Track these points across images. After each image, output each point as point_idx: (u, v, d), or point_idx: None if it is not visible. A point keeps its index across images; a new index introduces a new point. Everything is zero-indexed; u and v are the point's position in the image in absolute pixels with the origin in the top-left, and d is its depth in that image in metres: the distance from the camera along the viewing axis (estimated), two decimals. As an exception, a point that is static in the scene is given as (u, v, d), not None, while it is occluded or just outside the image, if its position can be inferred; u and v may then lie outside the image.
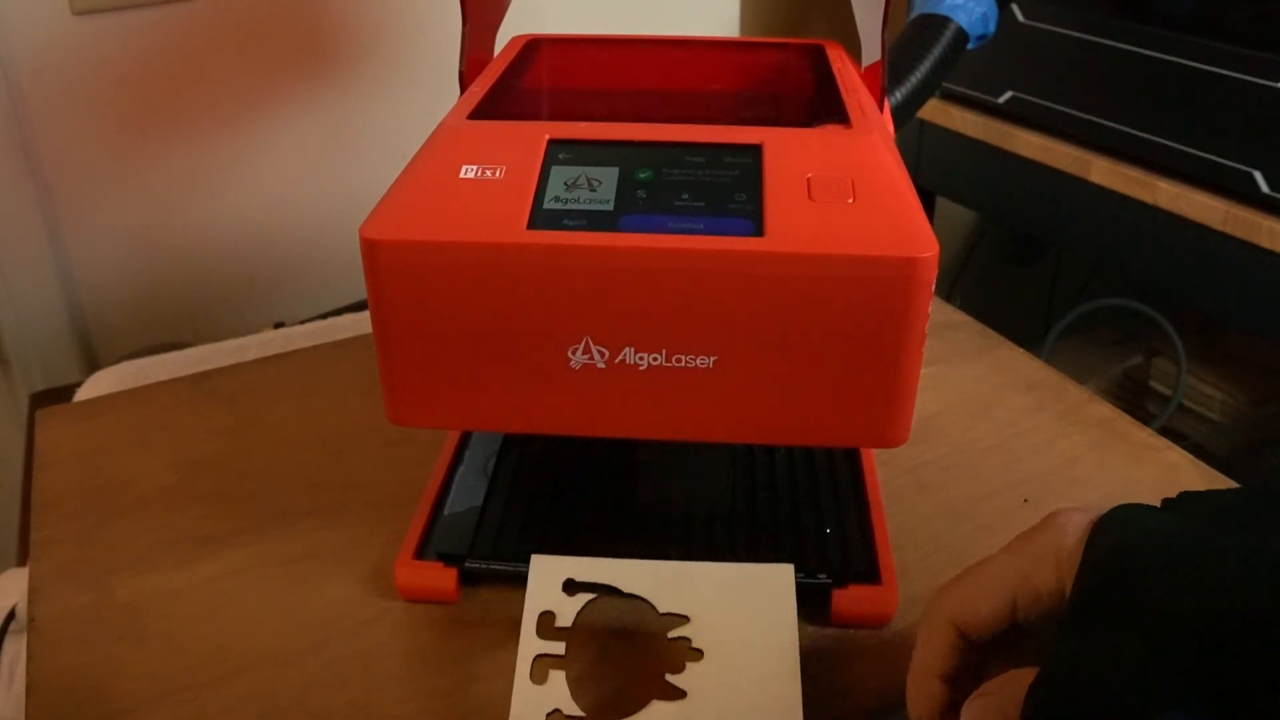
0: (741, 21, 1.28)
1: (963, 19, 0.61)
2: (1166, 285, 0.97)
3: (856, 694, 0.43)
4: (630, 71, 0.55)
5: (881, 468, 0.55)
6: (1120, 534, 0.32)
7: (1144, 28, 0.93)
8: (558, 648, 0.40)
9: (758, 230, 0.37)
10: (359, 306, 1.02)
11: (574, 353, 0.39)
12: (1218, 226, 0.89)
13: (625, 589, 0.42)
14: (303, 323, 0.97)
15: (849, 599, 0.45)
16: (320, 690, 0.43)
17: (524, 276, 0.37)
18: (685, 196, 0.39)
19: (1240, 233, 0.87)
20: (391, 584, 0.48)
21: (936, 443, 0.58)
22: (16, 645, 0.59)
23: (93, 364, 1.02)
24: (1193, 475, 0.55)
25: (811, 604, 0.46)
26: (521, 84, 0.51)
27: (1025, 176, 1.07)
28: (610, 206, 0.39)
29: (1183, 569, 0.29)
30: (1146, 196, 0.94)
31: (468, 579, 0.48)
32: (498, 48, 0.55)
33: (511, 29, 0.58)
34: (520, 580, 0.46)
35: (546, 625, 0.41)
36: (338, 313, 1.01)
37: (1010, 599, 0.35)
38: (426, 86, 1.06)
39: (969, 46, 0.63)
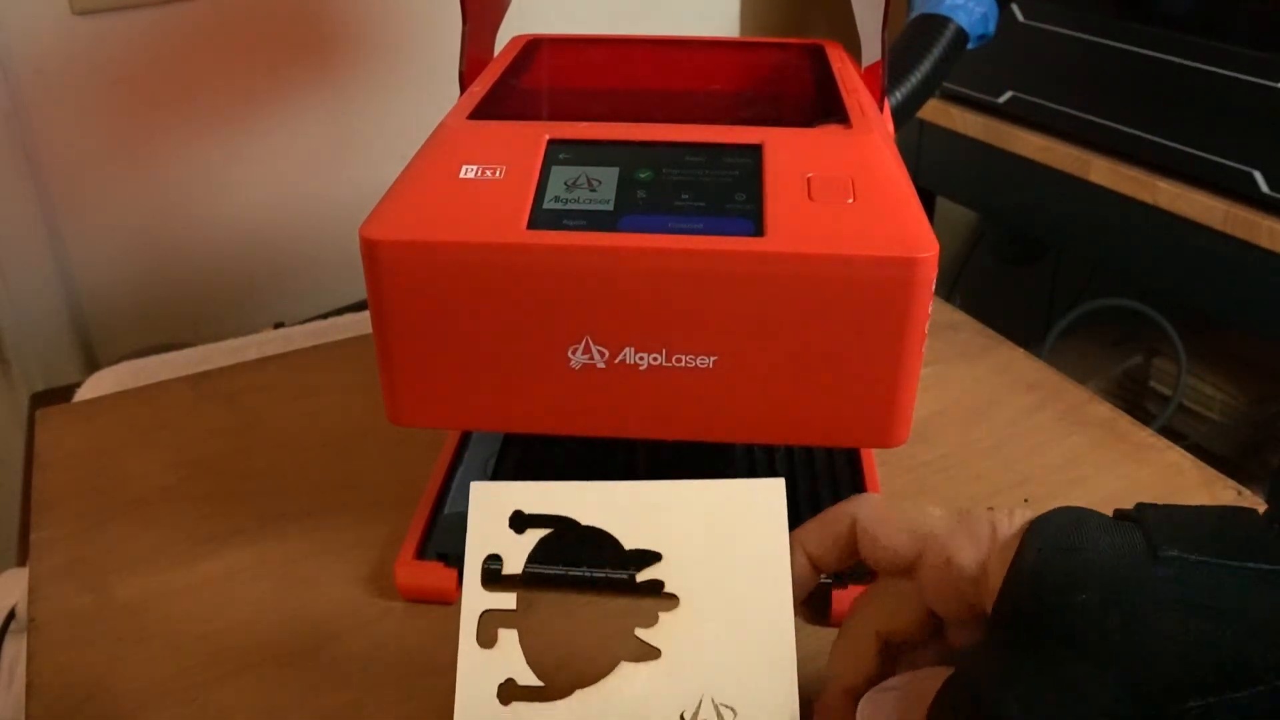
0: (741, 21, 1.28)
1: (963, 19, 0.61)
2: (1166, 285, 0.97)
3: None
4: (630, 71, 0.55)
5: (881, 468, 0.55)
6: (1059, 540, 0.30)
7: (1144, 28, 0.93)
8: (507, 601, 0.34)
9: (758, 230, 0.37)
10: (359, 306, 1.02)
11: (574, 353, 0.39)
12: (1218, 226, 0.89)
13: (584, 520, 0.35)
14: (303, 323, 0.97)
15: (849, 599, 0.45)
16: (320, 690, 0.43)
17: (524, 276, 0.37)
18: (685, 196, 0.39)
19: (1240, 233, 0.87)
20: (391, 584, 0.48)
21: (936, 443, 0.58)
22: (16, 645, 0.59)
23: (93, 364, 1.02)
24: (1193, 475, 0.55)
25: (811, 604, 0.46)
26: (521, 84, 0.51)
27: (1025, 176, 1.07)
28: (610, 206, 0.39)
29: (1116, 588, 0.28)
30: (1146, 196, 0.94)
31: (468, 579, 0.48)
32: (498, 48, 0.55)
33: (511, 29, 0.58)
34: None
35: (494, 574, 0.35)
36: (338, 313, 1.01)
37: (917, 550, 0.33)
38: (426, 86, 1.06)
39: (969, 46, 0.63)
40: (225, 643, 0.45)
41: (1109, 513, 0.32)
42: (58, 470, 0.58)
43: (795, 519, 0.50)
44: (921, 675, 0.31)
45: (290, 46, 1.01)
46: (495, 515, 0.35)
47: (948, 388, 0.63)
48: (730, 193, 0.39)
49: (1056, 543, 0.30)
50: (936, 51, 0.60)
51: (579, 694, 0.33)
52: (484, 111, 0.45)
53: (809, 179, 0.39)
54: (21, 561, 0.59)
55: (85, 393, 0.70)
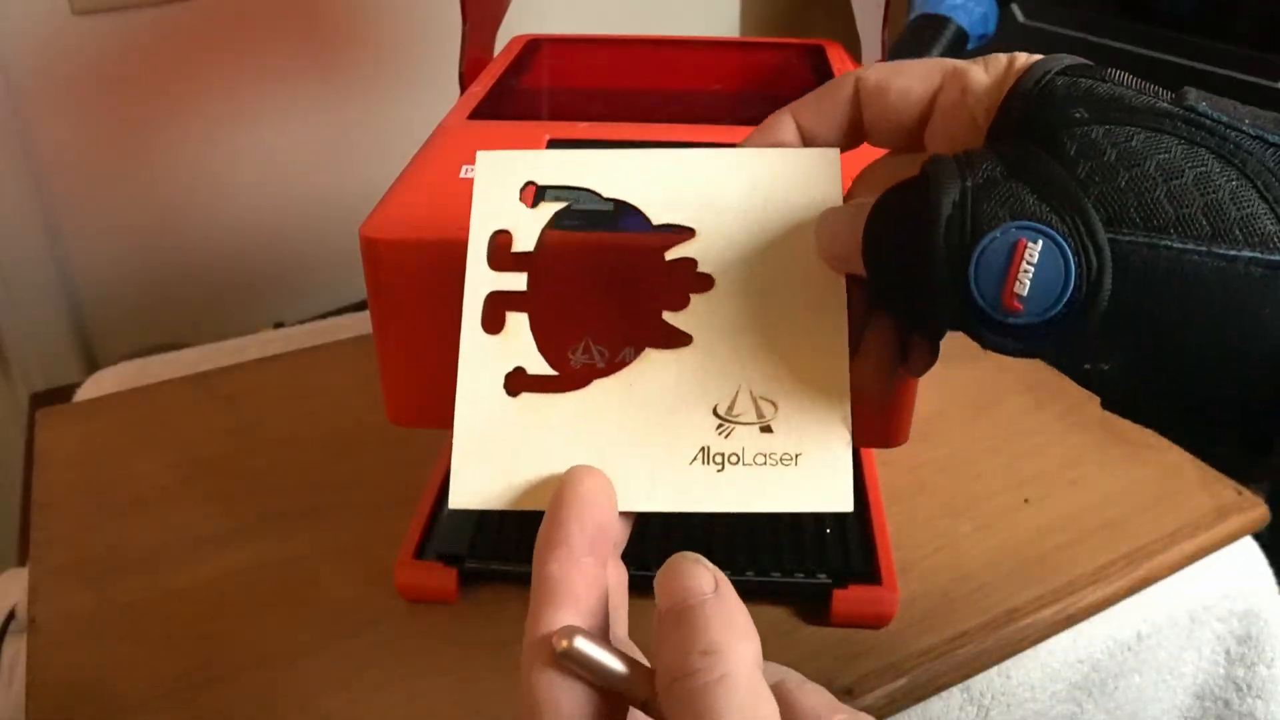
0: (741, 21, 1.28)
1: (963, 19, 0.61)
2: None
3: (857, 694, 0.43)
4: (630, 71, 0.55)
5: (881, 468, 0.55)
6: (1074, 70, 0.27)
7: (1144, 28, 0.93)
8: (518, 282, 0.30)
9: (758, 230, 0.37)
10: (359, 306, 1.02)
11: (574, 353, 0.38)
12: (1218, 226, 0.89)
13: (606, 193, 0.31)
14: (303, 323, 0.96)
15: (849, 599, 0.45)
16: (320, 690, 0.43)
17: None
18: (685, 196, 0.39)
19: (1240, 233, 0.87)
20: (391, 584, 0.48)
21: (936, 443, 0.58)
22: (16, 645, 0.59)
23: (93, 364, 1.02)
24: (1192, 475, 0.55)
25: (811, 604, 0.46)
26: (521, 84, 0.50)
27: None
28: (610, 206, 0.39)
29: (1122, 114, 0.25)
30: (1146, 196, 0.94)
31: (468, 579, 0.48)
32: (498, 48, 0.55)
33: (511, 29, 0.58)
34: (523, 581, 0.45)
35: (502, 251, 0.31)
36: (338, 313, 1.01)
37: (932, 89, 0.30)
38: (426, 86, 1.06)
39: (969, 46, 0.63)
40: (225, 643, 0.45)
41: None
42: (58, 470, 0.58)
43: (796, 520, 0.50)
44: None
45: (290, 46, 1.01)
46: (505, 186, 0.31)
47: (948, 388, 0.63)
48: (730, 193, 0.39)
49: (1070, 69, 0.27)
50: (936, 52, 0.61)
51: (597, 384, 0.29)
52: (484, 111, 0.45)
53: (809, 179, 0.39)
54: (21, 561, 0.59)
55: (85, 393, 0.70)
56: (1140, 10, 0.95)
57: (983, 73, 0.29)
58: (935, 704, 0.45)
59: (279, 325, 0.98)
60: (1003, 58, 0.29)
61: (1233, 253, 0.23)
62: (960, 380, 0.64)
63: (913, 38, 0.61)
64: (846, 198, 0.31)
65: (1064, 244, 0.23)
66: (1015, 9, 1.03)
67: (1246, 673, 0.52)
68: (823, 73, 0.50)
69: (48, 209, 0.96)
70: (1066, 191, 0.24)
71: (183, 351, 0.80)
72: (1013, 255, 0.23)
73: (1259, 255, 0.23)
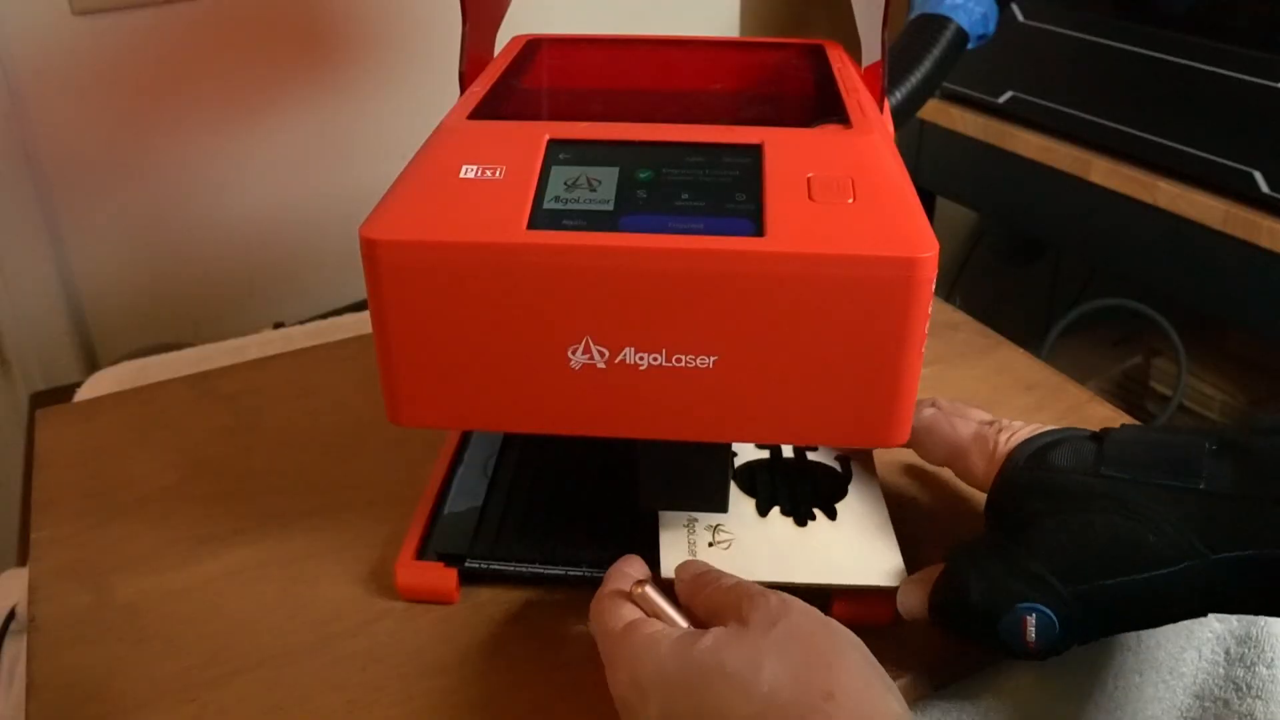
0: (741, 21, 1.28)
1: (963, 19, 0.61)
2: (1166, 285, 0.97)
3: (856, 694, 0.43)
4: (630, 71, 0.55)
5: (882, 468, 0.55)
6: (1031, 462, 0.42)
7: (1144, 28, 0.93)
8: None
9: (758, 230, 0.37)
10: (359, 306, 1.02)
11: (574, 353, 0.39)
12: (1218, 226, 0.89)
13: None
14: (303, 323, 0.97)
15: (849, 599, 0.45)
16: (320, 690, 0.43)
17: (524, 276, 0.37)
18: (685, 196, 0.39)
19: (1240, 233, 0.87)
20: (391, 584, 0.48)
21: (936, 443, 0.58)
22: (16, 645, 0.59)
23: (93, 364, 1.02)
24: (1193, 475, 0.55)
25: (811, 604, 0.46)
26: (521, 84, 0.51)
27: (1025, 176, 1.07)
28: (610, 206, 0.39)
29: (1060, 499, 0.40)
30: (1146, 196, 0.94)
31: (468, 579, 0.48)
32: (498, 48, 0.55)
33: (511, 29, 0.58)
34: (523, 581, 0.45)
35: None
36: (338, 313, 1.01)
37: (947, 456, 0.47)
38: (426, 86, 1.06)
39: (969, 46, 0.63)
40: (225, 643, 0.46)
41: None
42: (58, 470, 0.58)
43: (795, 518, 0.50)
44: (938, 566, 0.43)
45: (290, 46, 1.01)
46: None
47: (948, 388, 0.63)
48: (730, 193, 0.39)
49: (1028, 463, 0.42)
50: (936, 51, 0.60)
51: None
52: (484, 111, 0.45)
53: (809, 179, 0.39)
54: (21, 561, 0.59)
55: (85, 393, 0.70)
56: (1140, 10, 0.95)
57: (980, 463, 0.45)
58: (935, 704, 0.45)
59: (279, 325, 0.98)
60: (992, 442, 0.45)
61: (1139, 576, 0.38)
62: (960, 380, 0.64)
63: (913, 38, 0.61)
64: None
65: (1049, 612, 0.39)
66: (1015, 9, 1.03)
67: (1246, 673, 0.52)
68: (822, 73, 0.51)
69: (48, 209, 0.96)
70: (1041, 578, 0.39)
71: (183, 351, 0.80)
72: (1022, 624, 0.39)
73: (1156, 574, 0.38)
